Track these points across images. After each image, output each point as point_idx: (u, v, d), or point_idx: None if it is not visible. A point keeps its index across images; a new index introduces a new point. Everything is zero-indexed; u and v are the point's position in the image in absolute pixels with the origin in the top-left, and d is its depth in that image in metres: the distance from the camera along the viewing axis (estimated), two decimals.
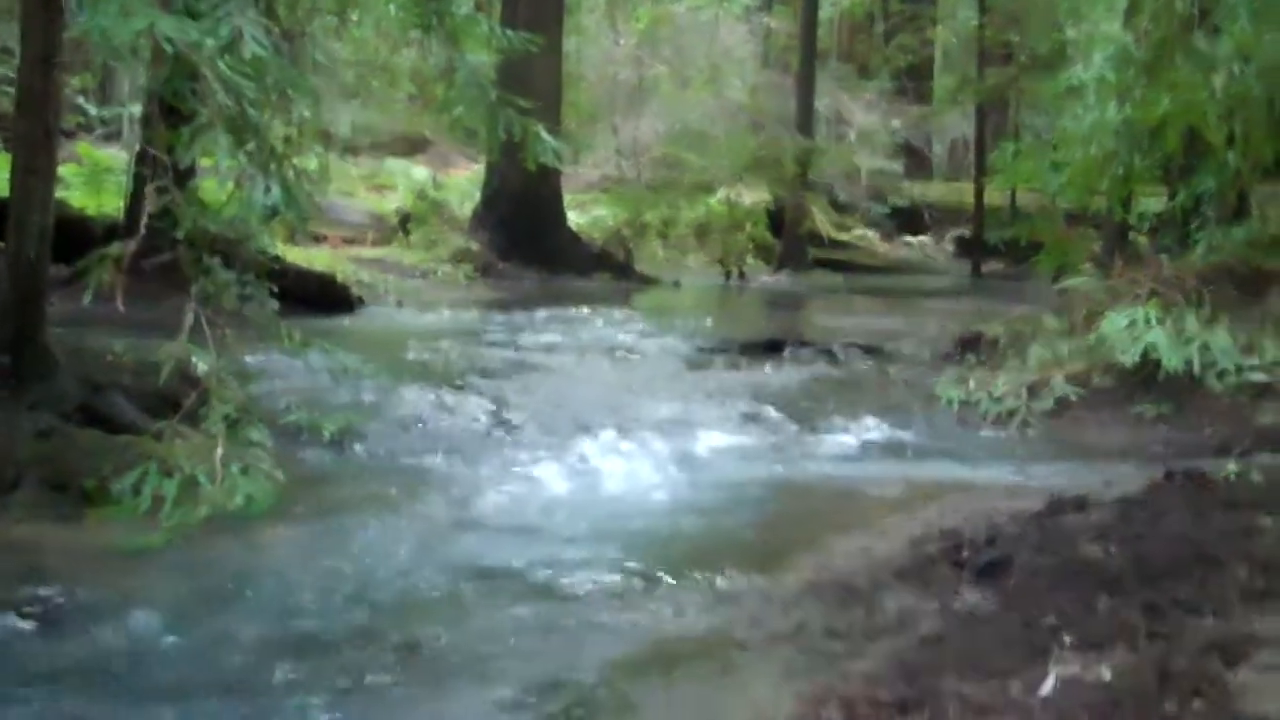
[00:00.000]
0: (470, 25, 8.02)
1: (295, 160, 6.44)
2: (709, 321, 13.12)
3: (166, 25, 5.50)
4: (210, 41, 5.53)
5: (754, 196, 20.63)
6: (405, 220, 17.34)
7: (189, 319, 5.91)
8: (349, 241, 16.04)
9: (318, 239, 14.97)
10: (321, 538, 5.35)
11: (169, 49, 5.63)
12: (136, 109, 15.01)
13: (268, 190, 5.79)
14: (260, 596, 4.59)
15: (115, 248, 5.65)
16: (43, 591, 4.33)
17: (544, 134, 7.15)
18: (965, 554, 5.03)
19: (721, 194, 20.43)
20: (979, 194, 21.01)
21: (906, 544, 5.38)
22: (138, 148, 11.87)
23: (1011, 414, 8.10)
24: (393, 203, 18.34)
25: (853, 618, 4.45)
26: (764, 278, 19.00)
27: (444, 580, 4.80)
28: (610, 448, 7.10)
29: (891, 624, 4.37)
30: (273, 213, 6.08)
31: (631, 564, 5.07)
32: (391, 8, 8.46)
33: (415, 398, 7.70)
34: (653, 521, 5.94)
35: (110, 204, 12.50)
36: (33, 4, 6.17)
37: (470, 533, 5.57)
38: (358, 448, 6.78)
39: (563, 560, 5.12)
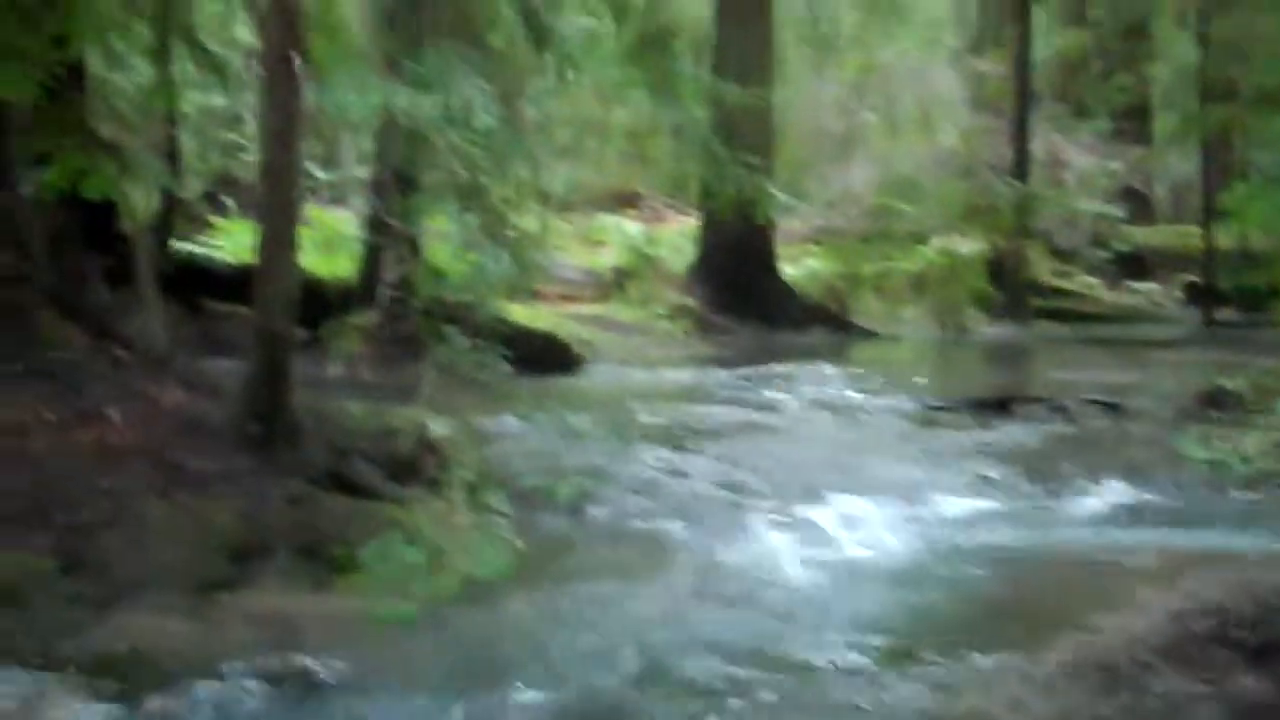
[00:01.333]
0: (693, 84, 8.05)
1: (516, 221, 6.55)
2: (932, 377, 12.86)
3: (401, 99, 5.68)
4: (441, 113, 5.68)
5: (970, 245, 20.21)
6: (620, 276, 17.52)
7: (427, 386, 6.03)
8: (566, 298, 16.25)
9: (535, 295, 15.21)
10: (564, 607, 5.33)
11: (404, 122, 5.80)
12: (362, 173, 15.50)
13: (498, 258, 5.88)
14: (513, 668, 4.57)
15: (360, 318, 5.80)
16: (302, 662, 4.39)
17: (771, 190, 7.12)
18: (1234, 633, 4.73)
19: (936, 243, 20.08)
20: (1209, 237, 20.18)
21: (1167, 620, 5.07)
22: (369, 213, 12.34)
23: (1265, 477, 7.68)
24: (606, 258, 18.55)
25: (1119, 703, 4.21)
26: (984, 329, 18.58)
27: (692, 654, 4.72)
28: (843, 512, 6.95)
29: (1163, 711, 4.12)
30: (504, 279, 6.16)
31: (878, 639, 4.93)
32: (613, 69, 8.53)
33: (644, 459, 7.69)
34: (894, 592, 5.78)
35: (341, 267, 12.89)
36: (274, 80, 6.40)
37: (709, 603, 5.49)
38: (592, 512, 6.78)
39: (806, 633, 5.01)
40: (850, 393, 11.07)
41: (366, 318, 5.78)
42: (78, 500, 5.35)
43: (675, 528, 6.62)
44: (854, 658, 4.71)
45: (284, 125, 6.23)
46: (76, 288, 7.32)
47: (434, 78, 5.55)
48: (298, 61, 5.97)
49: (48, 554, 4.99)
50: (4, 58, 7.56)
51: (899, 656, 4.74)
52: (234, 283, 12.58)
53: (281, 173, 6.34)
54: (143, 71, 10.82)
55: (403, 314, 6.04)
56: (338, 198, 18.39)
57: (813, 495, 7.19)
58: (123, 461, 5.72)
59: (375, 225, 10.86)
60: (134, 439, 5.94)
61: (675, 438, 8.41)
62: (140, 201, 10.60)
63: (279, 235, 6.35)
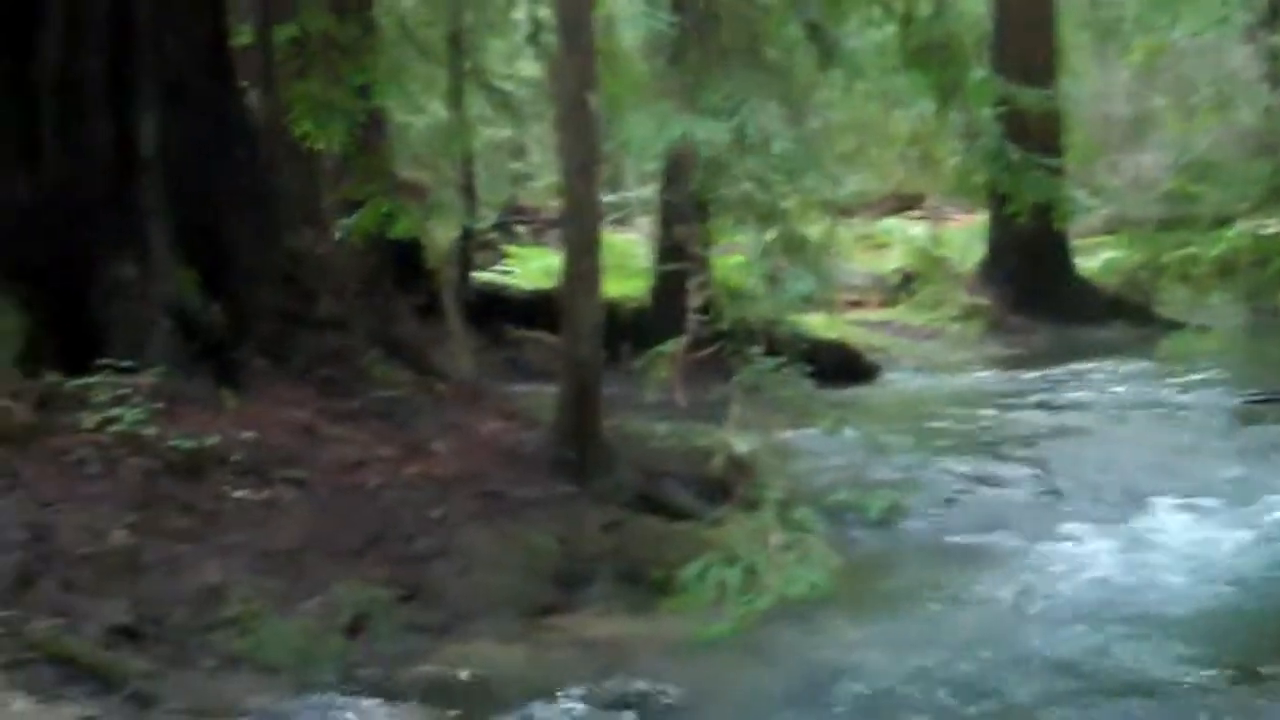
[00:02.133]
0: (982, 88, 7.84)
1: (808, 233, 6.50)
2: (1247, 367, 12.15)
3: (700, 130, 5.72)
4: (738, 138, 5.70)
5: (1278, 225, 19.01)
6: (907, 279, 17.23)
7: (735, 408, 6.06)
8: (853, 305, 16.08)
9: (823, 305, 15.09)
10: (885, 626, 5.27)
11: (703, 152, 5.85)
12: (643, 193, 15.76)
13: (798, 275, 5.86)
14: (840, 690, 4.54)
15: (670, 344, 5.87)
16: (635, 687, 4.47)
17: (1071, 192, 6.87)
18: None
19: (1242, 226, 18.97)
20: None
21: None
22: (660, 237, 12.54)
23: None
24: (891, 262, 18.28)
25: None
26: None
27: (1020, 672, 4.59)
28: (1168, 516, 6.66)
29: None
30: (804, 295, 6.14)
31: (1219, 652, 4.68)
32: (898, 77, 8.39)
33: (953, 469, 7.54)
34: (1229, 600, 5.48)
35: (632, 289, 13.09)
36: (571, 119, 6.56)
37: (1036, 618, 5.33)
38: (904, 526, 6.68)
39: (1144, 649, 4.79)
40: (1161, 389, 10.58)
41: (674, 342, 5.83)
42: (411, 531, 5.59)
43: (992, 539, 6.46)
44: (1198, 674, 4.48)
45: (583, 161, 6.38)
46: (394, 327, 7.68)
47: (725, 103, 5.56)
48: (593, 100, 6.11)
49: (387, 584, 5.21)
50: (318, 112, 8.04)
51: (1246, 672, 4.49)
52: (529, 309, 13.03)
53: (583, 207, 6.50)
54: (438, 114, 11.34)
55: (707, 336, 6.05)
56: (622, 220, 18.78)
57: (1134, 499, 6.90)
58: (449, 492, 5.95)
59: (669, 249, 11.07)
60: (457, 469, 6.19)
61: (982, 445, 8.22)
62: (442, 238, 11.11)
63: (583, 266, 6.51)
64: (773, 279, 6.01)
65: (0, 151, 5.98)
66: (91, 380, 5.61)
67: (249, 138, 7.08)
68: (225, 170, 6.66)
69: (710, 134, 5.39)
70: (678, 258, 10.64)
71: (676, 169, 9.79)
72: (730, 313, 5.97)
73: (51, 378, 5.66)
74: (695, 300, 6.18)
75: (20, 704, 4.25)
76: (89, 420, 5.44)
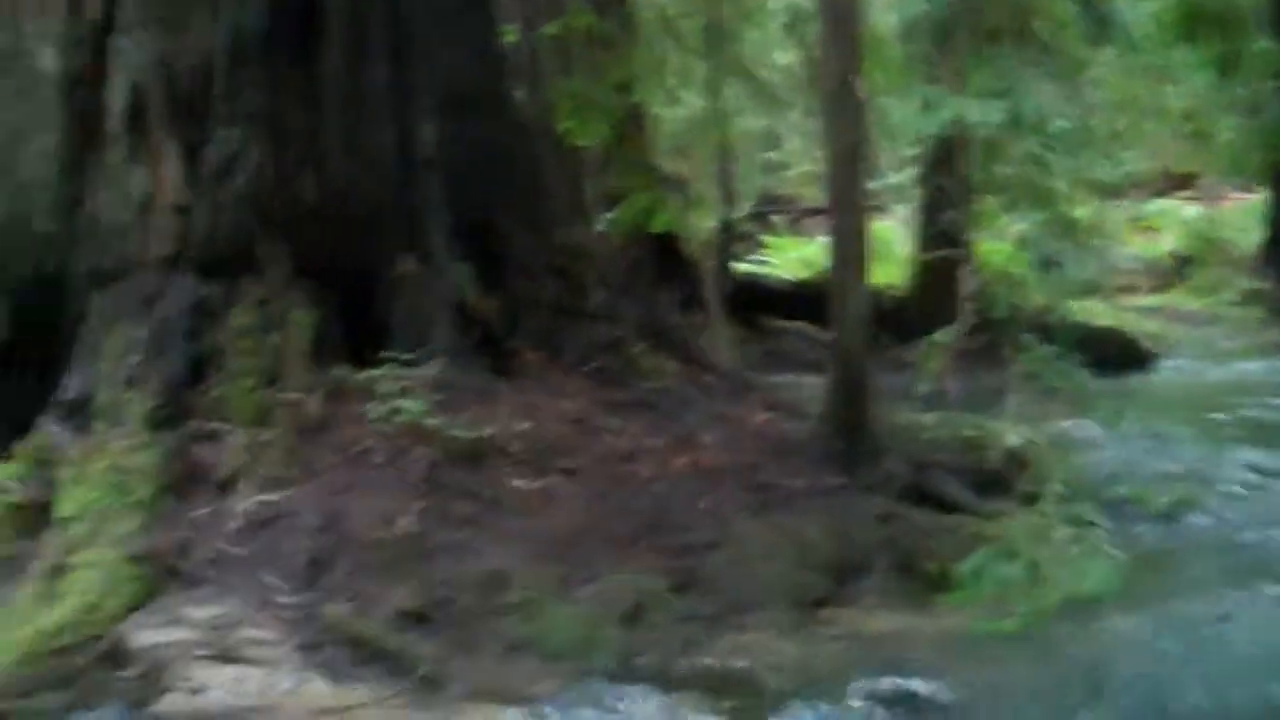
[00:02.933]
0: (1267, 60, 7.41)
1: (1081, 217, 6.27)
2: None
3: (972, 111, 5.57)
4: (1013, 119, 5.53)
5: None
6: (1182, 263, 16.47)
7: (1010, 398, 5.89)
8: (1124, 290, 15.47)
9: (1095, 289, 14.57)
10: (1173, 625, 5.01)
11: (979, 134, 5.69)
12: (901, 179, 15.46)
13: (1076, 260, 5.66)
14: (1127, 691, 4.35)
15: (943, 335, 5.75)
16: (915, 684, 4.37)
17: None
18: None
19: None
20: None
21: None
22: (924, 223, 12.31)
23: None
24: (1164, 245, 17.50)
25: None
26: None
27: None
28: None
29: None
30: (1080, 282, 5.93)
31: None
32: (1176, 52, 8.03)
33: (1239, 461, 7.15)
34: None
35: (891, 276, 12.88)
36: (835, 105, 6.48)
37: None
38: (1190, 521, 6.36)
39: None
40: None
41: (946, 330, 5.70)
42: (683, 522, 5.62)
43: None
44: None
45: (848, 148, 6.30)
46: (658, 318, 7.73)
47: (1001, 84, 5.39)
48: (858, 85, 6.02)
49: (661, 574, 5.25)
50: (580, 109, 8.16)
51: None
52: (789, 299, 12.99)
53: (848, 194, 6.41)
54: (695, 105, 11.38)
55: (978, 324, 5.89)
56: (879, 208, 18.52)
57: None
58: (719, 483, 5.96)
59: (932, 236, 10.84)
60: (726, 460, 6.19)
61: (1271, 435, 7.77)
62: (701, 230, 11.15)
63: (849, 255, 6.42)
64: (1047, 264, 5.82)
65: (290, 158, 6.24)
66: (377, 373, 5.85)
67: (519, 136, 7.24)
68: (498, 168, 6.82)
69: (984, 115, 5.25)
70: (942, 245, 10.43)
71: (939, 153, 9.61)
72: (1003, 300, 5.81)
73: (340, 371, 5.92)
74: (967, 287, 6.04)
75: (318, 684, 4.47)
76: (375, 411, 5.66)
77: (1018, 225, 5.99)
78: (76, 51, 6.23)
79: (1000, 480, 6.20)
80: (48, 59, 6.32)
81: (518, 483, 5.59)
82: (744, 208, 16.40)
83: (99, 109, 6.21)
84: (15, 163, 6.38)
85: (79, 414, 5.71)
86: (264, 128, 6.15)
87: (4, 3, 6.42)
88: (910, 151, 13.07)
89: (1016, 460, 6.16)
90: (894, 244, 14.33)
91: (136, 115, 6.12)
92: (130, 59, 6.15)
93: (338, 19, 6.38)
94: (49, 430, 5.74)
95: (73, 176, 6.24)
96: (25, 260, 6.33)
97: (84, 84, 6.21)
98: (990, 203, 6.39)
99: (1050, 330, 6.56)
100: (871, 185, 17.64)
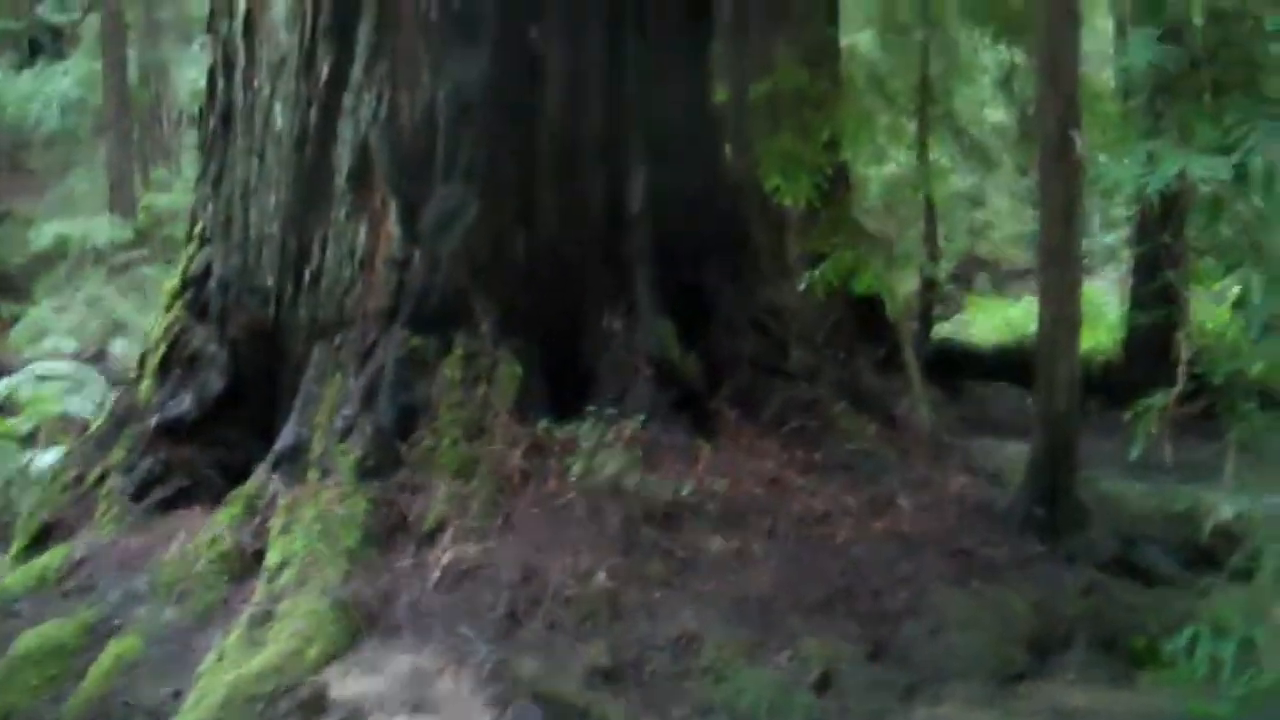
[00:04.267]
0: None
1: None
2: None
3: (1198, 168, 5.38)
4: (1238, 175, 5.33)
5: None
6: None
7: (1228, 467, 5.64)
8: None
9: None
10: None
11: (1202, 189, 5.50)
12: (1111, 239, 15.08)
13: None
14: None
15: (1156, 400, 5.55)
16: None
17: None
18: None
19: None
20: None
21: None
22: (1133, 284, 11.94)
23: None
24: None
25: None
26: None
27: None
28: None
29: None
30: None
31: None
32: None
33: None
34: None
35: (1098, 339, 12.50)
36: (1053, 160, 6.35)
37: None
38: None
39: None
40: None
41: (1162, 395, 5.50)
42: (879, 588, 5.54)
43: None
44: None
45: (1065, 205, 6.18)
46: (858, 378, 7.67)
47: (1228, 140, 5.19)
48: (1078, 140, 5.89)
49: (855, 640, 5.19)
50: (787, 166, 8.18)
51: None
52: (992, 361, 12.73)
53: (1062, 253, 6.29)
54: (902, 163, 11.30)
55: (1194, 389, 5.67)
56: (1088, 267, 18.04)
57: None
58: (916, 548, 5.87)
59: (1144, 298, 10.51)
60: (925, 525, 6.09)
61: None
62: (903, 289, 11.03)
63: (1061, 316, 6.29)
64: (1268, 328, 5.58)
65: (505, 213, 6.41)
66: (579, 427, 5.93)
67: (727, 192, 7.29)
68: (705, 223, 6.89)
69: (1208, 171, 5.07)
70: (1155, 306, 10.10)
71: (1156, 212, 9.30)
72: (1221, 365, 5.59)
73: (543, 424, 6.02)
74: (1183, 351, 5.83)
75: None
76: (576, 466, 5.74)
77: (1238, 287, 5.77)
78: (308, 111, 6.51)
79: (1212, 554, 5.93)
80: (280, 118, 6.63)
81: (713, 542, 5.60)
82: (948, 268, 16.16)
83: (326, 166, 6.48)
84: (246, 218, 6.71)
85: (293, 463, 5.94)
86: (481, 184, 6.33)
87: (245, 65, 6.77)
88: (1124, 211, 12.71)
89: (1230, 533, 5.90)
90: (1102, 306, 13.91)
91: (362, 172, 6.37)
92: (359, 118, 6.40)
93: (556, 76, 6.55)
94: (263, 478, 5.99)
95: (298, 231, 6.52)
96: (248, 312, 6.63)
97: (313, 142, 6.48)
98: (1209, 264, 6.17)
99: (1271, 398, 6.28)
100: (1083, 245, 17.26)
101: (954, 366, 12.29)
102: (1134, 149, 6.08)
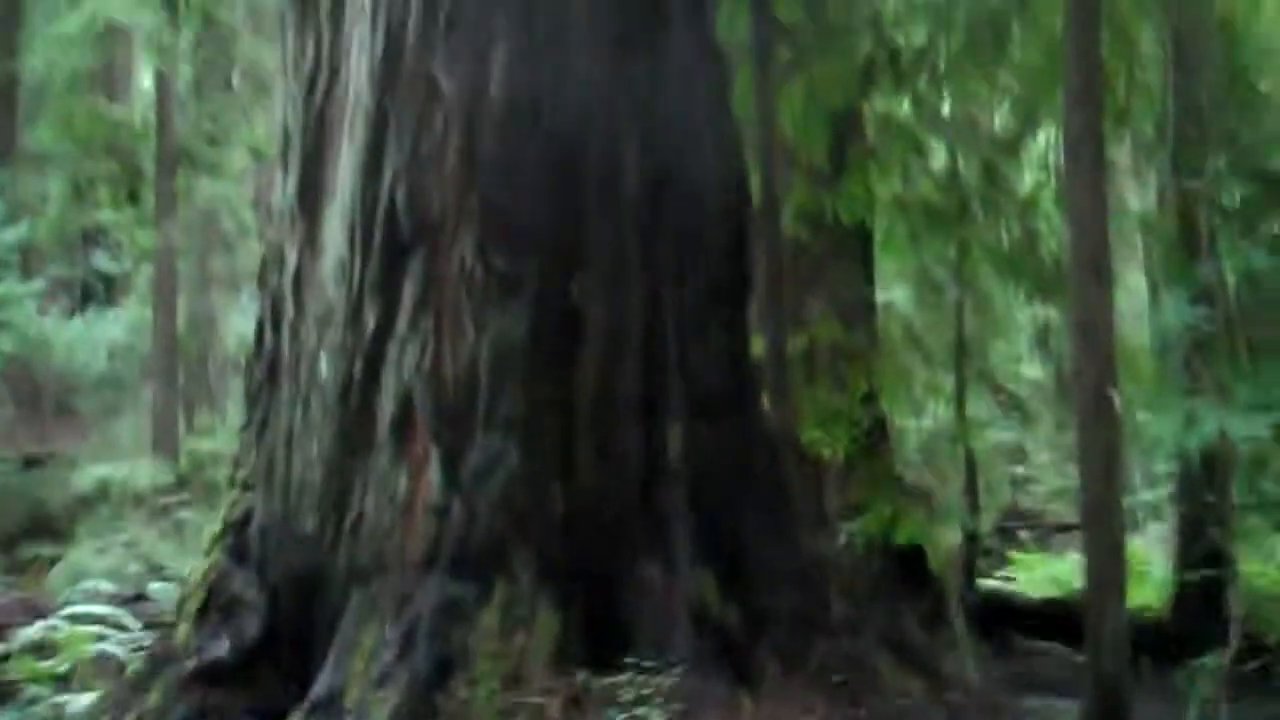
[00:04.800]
0: None
1: None
2: None
3: (1238, 427, 5.41)
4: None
5: None
6: None
7: None
8: None
9: None
10: None
11: (1242, 447, 5.51)
12: (1153, 496, 14.93)
13: None
14: None
15: (1210, 660, 5.44)
16: None
17: None
18: None
19: None
20: None
21: None
22: (1179, 541, 11.78)
23: None
24: None
25: None
26: None
27: None
28: None
29: None
30: None
31: None
32: None
33: None
34: None
35: (1144, 597, 12.25)
36: (1091, 417, 6.36)
37: None
38: None
39: None
40: None
41: (1217, 655, 5.40)
42: None
43: None
44: None
45: (1105, 462, 6.16)
46: (902, 633, 7.53)
47: (1268, 398, 5.24)
48: (1115, 398, 5.93)
49: None
50: (825, 419, 8.25)
51: None
52: (1036, 617, 12.46)
53: (1104, 510, 6.25)
54: (941, 417, 11.34)
55: (1251, 649, 5.56)
56: (1133, 524, 17.83)
57: None
58: None
59: (1191, 556, 10.35)
60: None
61: None
62: (945, 543, 10.93)
63: (1105, 573, 6.20)
64: None
65: (544, 463, 6.45)
66: (617, 679, 5.82)
67: (765, 444, 7.31)
68: (743, 475, 6.90)
69: (1249, 429, 5.10)
70: (1203, 565, 9.94)
71: (1198, 469, 9.28)
72: (1276, 623, 5.50)
73: (582, 675, 5.92)
74: (1235, 610, 5.75)
75: None
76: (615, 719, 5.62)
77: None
78: (353, 361, 6.64)
79: None
80: (325, 368, 6.76)
81: None
82: (990, 522, 16.02)
83: (369, 415, 6.57)
84: (288, 464, 6.78)
85: (329, 710, 5.85)
86: (521, 434, 6.38)
87: (293, 317, 6.96)
88: (1166, 467, 12.65)
89: None
90: (1148, 563, 13.69)
91: (404, 421, 6.45)
92: (402, 368, 6.52)
93: (595, 330, 6.67)
94: None
95: (340, 478, 6.57)
96: (288, 558, 6.64)
97: (357, 391, 6.60)
98: (1255, 521, 6.14)
99: None
100: (1126, 501, 17.12)
101: (1000, 622, 12.04)
102: (1173, 407, 6.14)
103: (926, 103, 10.69)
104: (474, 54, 6.69)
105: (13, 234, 22.15)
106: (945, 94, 10.88)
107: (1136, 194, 14.00)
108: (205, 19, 21.38)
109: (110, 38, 24.07)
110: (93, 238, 24.79)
